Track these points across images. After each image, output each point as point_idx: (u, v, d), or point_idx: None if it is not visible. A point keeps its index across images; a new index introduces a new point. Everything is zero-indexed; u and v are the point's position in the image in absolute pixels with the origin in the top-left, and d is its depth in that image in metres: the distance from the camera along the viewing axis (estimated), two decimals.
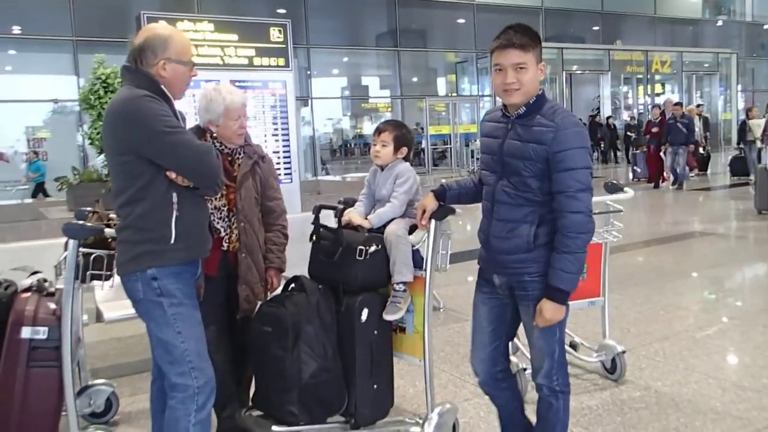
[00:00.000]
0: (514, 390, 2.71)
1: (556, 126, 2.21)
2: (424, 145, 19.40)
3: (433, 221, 2.70)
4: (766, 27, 27.76)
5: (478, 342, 2.60)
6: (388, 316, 2.81)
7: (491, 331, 2.54)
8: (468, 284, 5.78)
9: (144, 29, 2.42)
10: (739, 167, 14.07)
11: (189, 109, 5.02)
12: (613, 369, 3.70)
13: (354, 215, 2.97)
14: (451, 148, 19.66)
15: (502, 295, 2.47)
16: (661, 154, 13.38)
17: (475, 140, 17.39)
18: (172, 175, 2.28)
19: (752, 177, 12.78)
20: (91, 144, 10.20)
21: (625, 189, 3.68)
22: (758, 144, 12.71)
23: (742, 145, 14.01)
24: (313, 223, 3.01)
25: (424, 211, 2.67)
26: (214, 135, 2.91)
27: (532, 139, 2.24)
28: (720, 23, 26.82)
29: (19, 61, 15.35)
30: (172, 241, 2.30)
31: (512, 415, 2.72)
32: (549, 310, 2.27)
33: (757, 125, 12.80)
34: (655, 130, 13.62)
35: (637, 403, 3.42)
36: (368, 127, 24.55)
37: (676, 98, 22.76)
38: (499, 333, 2.55)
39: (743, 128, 13.78)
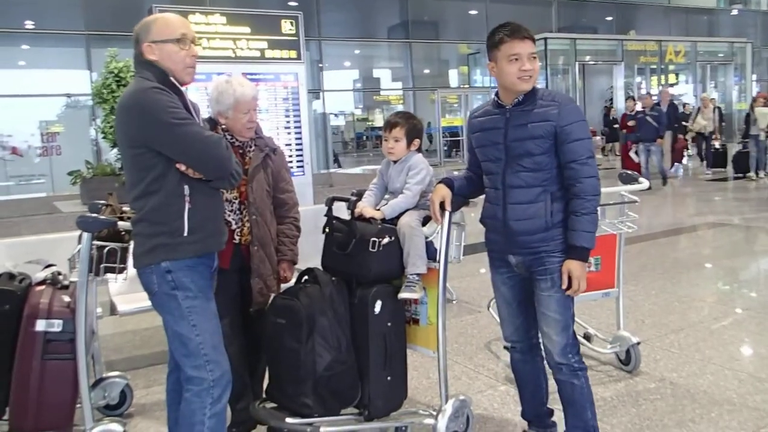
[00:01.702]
0: (543, 367, 2.77)
1: (559, 103, 2.43)
2: (435, 137, 19.32)
3: (446, 212, 2.69)
4: None
5: (506, 316, 2.74)
6: (403, 294, 2.79)
7: (517, 304, 2.68)
8: (480, 276, 5.78)
9: None
10: (744, 163, 12.84)
11: (201, 101, 5.01)
12: (627, 360, 3.68)
13: (367, 207, 2.96)
14: (462, 140, 19.57)
15: (519, 273, 2.60)
16: (631, 153, 11.93)
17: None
18: (182, 167, 2.28)
19: (752, 174, 12.42)
20: (104, 138, 10.26)
21: (640, 180, 3.64)
22: (762, 137, 12.09)
23: (746, 140, 12.80)
24: (326, 215, 3.00)
25: (441, 203, 2.67)
26: (225, 127, 2.90)
27: (538, 119, 2.43)
28: (735, 12, 26.46)
29: (32, 55, 15.42)
30: (185, 234, 2.29)
31: (535, 395, 2.80)
32: (577, 268, 2.43)
33: (762, 114, 12.05)
34: (631, 123, 12.18)
35: (653, 394, 3.39)
36: (380, 120, 24.48)
37: (690, 88, 22.59)
38: (526, 305, 2.66)
39: (747, 120, 12.75)
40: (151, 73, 2.30)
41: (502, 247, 2.59)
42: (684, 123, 14.03)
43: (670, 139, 12.71)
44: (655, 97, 13.89)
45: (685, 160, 15.28)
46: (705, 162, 14.29)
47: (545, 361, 2.70)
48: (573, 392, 2.56)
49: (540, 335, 2.66)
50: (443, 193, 2.67)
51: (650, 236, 7.42)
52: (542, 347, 2.68)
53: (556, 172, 2.46)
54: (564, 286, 2.46)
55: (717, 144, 14.07)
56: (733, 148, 13.77)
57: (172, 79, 2.33)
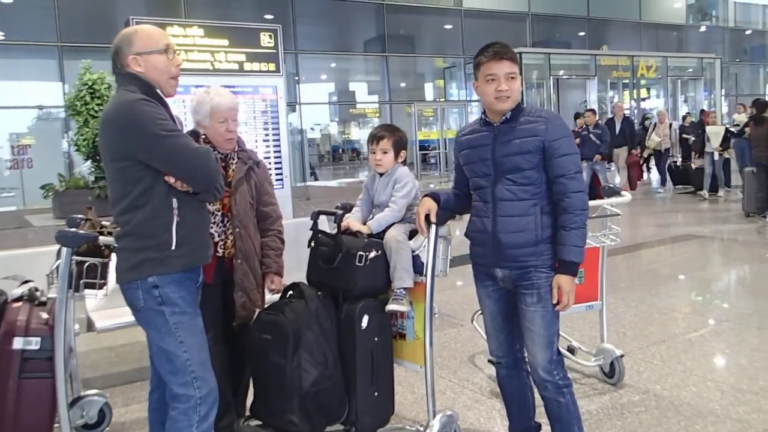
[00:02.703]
0: (528, 382, 2.76)
1: (546, 119, 2.47)
2: (411, 150, 19.37)
3: (433, 226, 2.68)
4: (748, 32, 28.09)
5: (492, 330, 2.72)
6: (391, 306, 2.78)
7: (502, 318, 2.67)
8: (462, 289, 5.78)
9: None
10: (698, 180, 12.31)
11: (179, 113, 4.97)
12: (611, 373, 3.69)
13: (353, 221, 2.94)
14: (439, 153, 19.66)
15: (504, 287, 2.59)
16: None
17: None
18: (171, 179, 2.24)
19: (704, 192, 11.84)
20: (77, 150, 10.06)
21: (623, 193, 3.67)
22: (716, 156, 11.68)
23: (700, 158, 12.42)
24: (311, 229, 2.98)
25: (426, 216, 2.66)
26: (206, 139, 2.87)
27: (526, 134, 2.45)
28: (704, 29, 27.10)
29: (3, 67, 15.14)
30: (173, 248, 2.25)
31: (521, 410, 2.79)
32: (567, 283, 2.44)
33: (714, 134, 11.71)
34: (577, 141, 11.05)
35: (637, 407, 3.40)
36: (356, 133, 24.50)
37: (661, 103, 23.00)
38: (511, 319, 2.65)
39: (703, 138, 12.21)
40: (135, 86, 2.27)
41: (488, 261, 2.58)
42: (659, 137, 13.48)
43: (625, 155, 12.27)
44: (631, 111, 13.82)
45: (646, 176, 14.92)
46: (660, 179, 13.79)
47: (530, 377, 2.69)
48: (559, 410, 2.55)
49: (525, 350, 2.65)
50: (429, 205, 2.66)
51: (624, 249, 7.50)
52: (527, 363, 2.67)
53: (546, 187, 2.48)
54: (554, 301, 2.46)
55: (678, 160, 13.64)
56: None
57: (158, 91, 2.30)
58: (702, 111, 17.27)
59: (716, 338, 4.48)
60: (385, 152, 2.97)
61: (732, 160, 11.98)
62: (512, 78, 2.45)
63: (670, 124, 14.20)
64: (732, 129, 11.57)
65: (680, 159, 13.82)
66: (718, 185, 12.04)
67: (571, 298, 2.45)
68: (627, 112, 21.02)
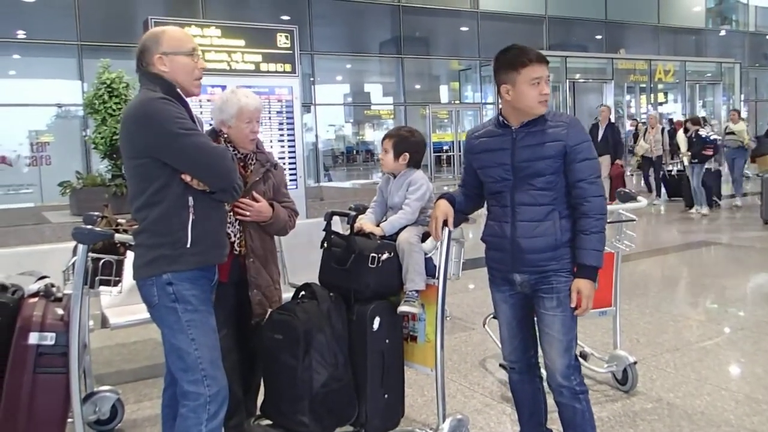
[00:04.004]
0: (541, 387, 2.75)
1: (567, 123, 2.46)
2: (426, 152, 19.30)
3: (446, 229, 2.68)
4: None
5: (507, 335, 2.69)
6: (403, 308, 2.78)
7: (517, 323, 2.65)
8: (473, 292, 5.76)
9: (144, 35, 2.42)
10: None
11: (197, 112, 4.99)
12: (624, 380, 3.66)
13: (366, 222, 2.95)
14: (453, 156, 19.63)
15: (521, 291, 2.58)
16: None
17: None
18: (187, 178, 2.27)
19: (696, 210, 10.67)
20: (95, 148, 10.17)
21: (639, 198, 3.65)
22: (685, 162, 10.91)
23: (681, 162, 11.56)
24: (324, 230, 2.98)
25: (444, 221, 2.64)
26: (228, 139, 2.89)
27: (548, 139, 2.44)
28: (723, 33, 26.84)
29: (24, 65, 15.33)
30: (188, 245, 2.27)
31: (533, 416, 2.76)
32: (586, 286, 2.43)
33: (683, 141, 11.00)
34: None
35: (650, 414, 3.37)
36: (370, 134, 24.50)
37: (679, 108, 22.81)
38: (526, 324, 2.65)
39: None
40: (157, 85, 2.30)
41: (507, 266, 2.55)
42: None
43: (608, 164, 10.86)
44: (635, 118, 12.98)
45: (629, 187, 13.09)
46: (653, 190, 12.70)
47: (545, 383, 2.67)
48: (574, 416, 2.53)
49: (541, 356, 2.63)
50: (446, 209, 2.64)
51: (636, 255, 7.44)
52: (543, 368, 2.65)
53: (564, 191, 2.47)
54: (573, 305, 2.44)
55: (673, 169, 12.54)
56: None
57: (178, 90, 2.33)
58: (671, 120, 16.77)
59: (731, 347, 4.43)
60: (386, 151, 3.00)
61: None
62: (548, 82, 2.47)
63: (663, 129, 13.01)
64: (705, 136, 10.60)
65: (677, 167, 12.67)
66: (693, 199, 10.84)
67: (590, 303, 2.44)
68: (612, 116, 20.66)
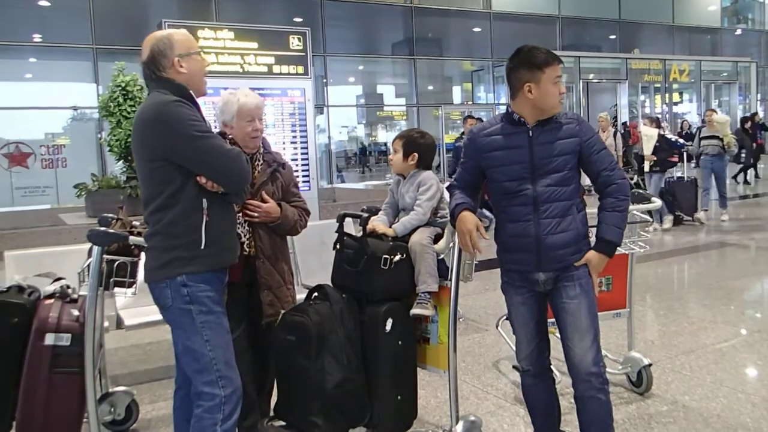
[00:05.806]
0: (555, 391, 2.76)
1: (577, 120, 2.55)
2: (437, 153, 19.28)
3: (455, 230, 2.66)
4: None
5: (523, 337, 2.68)
6: (416, 310, 2.78)
7: (534, 324, 2.65)
8: (486, 294, 5.75)
9: (143, 44, 2.39)
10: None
11: (208, 115, 5.02)
12: (639, 382, 3.63)
13: (378, 224, 2.95)
14: None
15: (539, 291, 2.58)
16: None
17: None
18: (203, 180, 2.29)
19: (700, 215, 9.54)
20: (110, 151, 10.25)
21: (653, 199, 3.62)
22: (646, 167, 9.35)
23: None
24: (337, 231, 2.99)
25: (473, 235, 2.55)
26: (233, 140, 2.90)
27: (565, 135, 2.49)
28: (739, 32, 26.60)
29: (40, 68, 15.50)
30: (203, 247, 2.29)
31: (547, 420, 2.75)
32: (596, 259, 2.51)
33: (648, 136, 9.26)
34: None
35: (665, 417, 3.35)
36: (383, 135, 24.52)
37: (694, 107, 22.61)
38: (542, 325, 2.67)
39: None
40: (168, 89, 2.31)
41: (530, 266, 2.53)
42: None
43: None
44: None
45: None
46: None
47: (570, 378, 2.61)
48: (599, 408, 2.51)
49: (564, 351, 2.57)
50: (475, 221, 2.54)
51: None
52: (568, 362, 2.56)
53: (576, 186, 2.54)
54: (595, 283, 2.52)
55: (634, 177, 10.41)
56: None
57: (191, 92, 2.35)
58: (625, 123, 16.07)
59: (748, 349, 4.39)
60: (396, 151, 3.04)
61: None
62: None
63: (615, 132, 11.54)
64: (674, 139, 9.46)
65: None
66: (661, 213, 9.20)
67: (596, 277, 2.54)
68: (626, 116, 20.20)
